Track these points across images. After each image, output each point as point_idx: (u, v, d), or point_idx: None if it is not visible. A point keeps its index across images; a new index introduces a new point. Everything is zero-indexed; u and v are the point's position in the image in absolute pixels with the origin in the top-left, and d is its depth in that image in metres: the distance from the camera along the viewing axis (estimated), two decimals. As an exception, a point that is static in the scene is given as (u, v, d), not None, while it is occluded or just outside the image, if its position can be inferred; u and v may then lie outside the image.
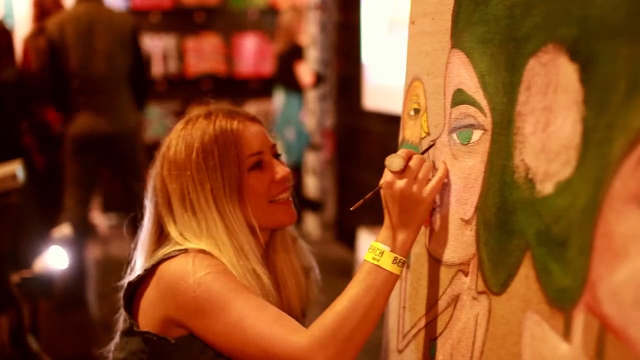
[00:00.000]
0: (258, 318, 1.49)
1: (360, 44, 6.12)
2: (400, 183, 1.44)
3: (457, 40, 1.50)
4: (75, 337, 4.69)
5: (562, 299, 1.14)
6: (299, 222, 7.22)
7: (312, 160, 7.12)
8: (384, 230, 1.49)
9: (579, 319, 1.10)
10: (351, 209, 1.53)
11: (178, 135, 1.67)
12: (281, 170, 1.71)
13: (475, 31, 1.42)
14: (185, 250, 1.59)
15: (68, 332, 4.73)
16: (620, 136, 1.03)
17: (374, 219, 5.68)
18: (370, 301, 1.44)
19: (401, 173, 1.44)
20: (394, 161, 1.45)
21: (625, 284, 1.00)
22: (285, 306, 1.77)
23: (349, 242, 6.26)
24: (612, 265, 1.03)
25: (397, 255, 1.46)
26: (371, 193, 1.51)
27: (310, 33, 7.02)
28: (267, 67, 8.32)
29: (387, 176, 1.46)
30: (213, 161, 1.62)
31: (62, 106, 5.13)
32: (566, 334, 1.13)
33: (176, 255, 1.58)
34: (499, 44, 1.34)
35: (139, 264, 1.69)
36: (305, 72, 6.90)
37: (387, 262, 1.45)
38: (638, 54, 1.01)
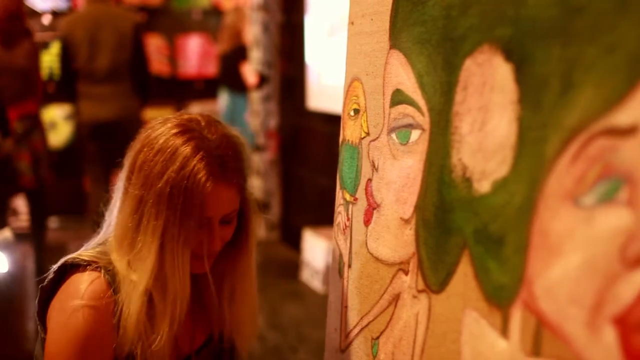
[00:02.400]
0: None
1: (304, 45, 6.13)
2: None
3: (395, 40, 1.51)
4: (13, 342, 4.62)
5: (499, 296, 1.16)
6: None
7: (256, 161, 7.09)
8: None
9: (516, 316, 1.11)
10: None
11: (165, 141, 1.57)
12: (219, 243, 1.62)
13: (412, 31, 1.43)
14: (98, 268, 1.56)
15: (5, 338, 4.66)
16: (555, 135, 1.04)
17: (319, 219, 5.70)
18: None
19: None
20: None
21: (560, 281, 1.02)
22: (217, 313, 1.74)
23: (294, 242, 6.26)
24: (548, 262, 1.05)
25: None
26: None
27: (253, 34, 7.00)
28: (211, 68, 8.28)
29: None
30: (175, 204, 1.53)
31: (70, 96, 5.74)
32: (504, 331, 1.14)
33: (86, 269, 1.56)
34: (436, 44, 1.35)
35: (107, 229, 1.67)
36: (250, 72, 6.90)
37: None
38: (571, 54, 1.03)
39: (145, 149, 1.58)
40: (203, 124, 1.61)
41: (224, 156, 1.59)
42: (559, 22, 1.05)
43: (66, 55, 5.63)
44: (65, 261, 1.58)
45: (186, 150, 1.55)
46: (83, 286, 1.54)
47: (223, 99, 7.30)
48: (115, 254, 1.58)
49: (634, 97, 0.92)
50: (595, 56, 0.99)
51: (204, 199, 1.54)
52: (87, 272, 1.56)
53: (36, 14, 7.80)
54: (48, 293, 1.59)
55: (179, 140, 1.56)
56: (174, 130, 1.58)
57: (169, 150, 1.56)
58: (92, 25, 5.59)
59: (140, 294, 1.54)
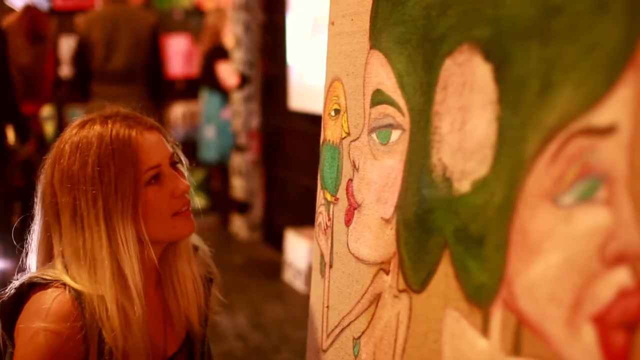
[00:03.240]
0: None
1: (285, 45, 6.12)
2: None
3: (375, 40, 1.51)
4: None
5: (480, 296, 1.16)
6: (226, 224, 7.24)
7: (238, 161, 7.08)
8: None
9: (497, 315, 1.12)
10: None
11: (72, 142, 1.57)
12: (181, 184, 1.61)
13: (392, 32, 1.43)
14: (63, 285, 1.53)
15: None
16: (534, 135, 1.05)
17: (301, 219, 5.70)
18: None
19: None
20: None
21: (540, 280, 1.03)
22: (182, 315, 1.73)
23: (277, 243, 6.26)
24: (528, 261, 1.05)
25: None
26: None
27: (234, 34, 6.99)
28: (193, 68, 8.27)
29: None
30: (108, 176, 1.53)
31: (84, 95, 5.69)
32: (484, 330, 1.15)
33: (49, 287, 1.54)
34: (416, 44, 1.35)
35: (33, 268, 1.64)
36: (227, 72, 6.90)
37: None
38: (550, 54, 1.03)
39: (57, 163, 1.58)
40: (98, 118, 1.62)
41: (133, 115, 1.64)
42: (538, 22, 1.05)
43: (82, 55, 5.63)
44: (29, 279, 1.55)
45: (95, 129, 1.58)
46: (46, 306, 1.50)
47: (203, 98, 7.32)
48: (73, 269, 1.55)
49: (612, 97, 0.93)
50: (574, 56, 0.99)
51: (137, 149, 1.56)
52: (50, 290, 1.53)
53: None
54: (10, 308, 1.56)
55: (83, 132, 1.58)
56: (75, 130, 1.60)
57: (79, 143, 1.57)
58: (110, 25, 5.59)
59: (112, 306, 1.53)
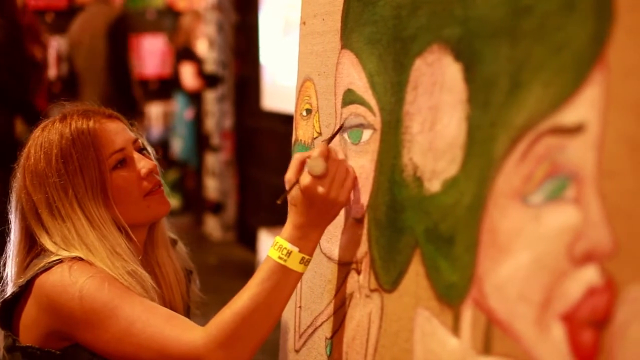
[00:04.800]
0: (148, 321, 1.45)
1: (258, 45, 6.11)
2: (322, 188, 1.38)
3: (346, 40, 1.51)
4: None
5: (450, 295, 1.16)
6: (199, 224, 7.22)
7: (211, 161, 7.07)
8: (292, 230, 1.43)
9: (467, 314, 1.12)
10: (278, 202, 1.45)
11: (35, 143, 1.62)
12: (146, 164, 1.65)
13: (363, 32, 1.43)
14: (60, 261, 1.53)
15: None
16: (503, 134, 1.05)
17: (275, 220, 5.68)
18: (273, 301, 1.41)
19: (322, 177, 1.39)
20: (316, 165, 1.37)
21: (509, 279, 1.03)
22: (167, 303, 1.74)
23: (250, 243, 6.24)
24: (497, 260, 1.05)
25: (304, 256, 1.42)
26: (291, 188, 1.44)
27: (207, 34, 6.97)
28: (166, 68, 8.23)
29: (306, 179, 1.38)
30: (73, 165, 1.57)
31: (73, 98, 5.68)
32: (455, 329, 1.15)
33: (51, 267, 1.52)
34: (386, 44, 1.36)
35: (10, 280, 1.64)
36: (188, 74, 6.91)
37: (294, 262, 1.41)
38: (519, 54, 1.04)
39: (25, 166, 1.62)
40: (58, 115, 1.66)
41: (91, 108, 1.69)
42: (507, 22, 1.06)
43: (69, 57, 5.73)
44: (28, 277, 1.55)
45: (55, 128, 1.63)
46: (67, 275, 1.51)
47: (176, 99, 7.35)
48: (63, 251, 1.56)
49: (580, 97, 0.93)
50: (543, 56, 0.99)
51: (96, 140, 1.60)
52: (53, 268, 1.53)
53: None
54: (11, 304, 1.58)
55: (45, 132, 1.63)
56: (37, 133, 1.65)
57: (42, 143, 1.61)
58: (77, 26, 5.62)
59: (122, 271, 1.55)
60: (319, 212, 1.41)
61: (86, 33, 5.53)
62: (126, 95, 5.57)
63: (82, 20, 5.64)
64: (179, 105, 7.41)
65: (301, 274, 1.44)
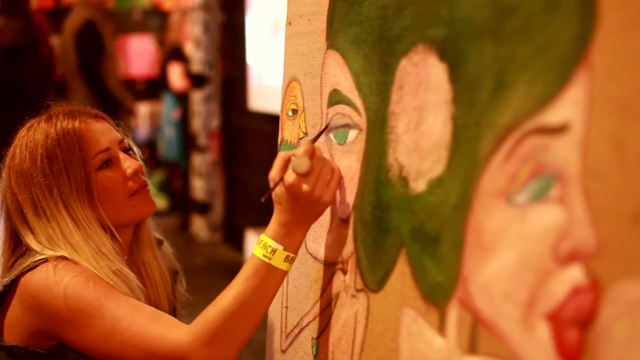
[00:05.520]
0: (133, 320, 1.45)
1: (245, 45, 6.11)
2: (306, 186, 1.38)
3: (332, 41, 1.51)
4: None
5: (436, 295, 1.16)
6: (186, 225, 7.20)
7: (198, 161, 7.06)
8: (277, 227, 1.43)
9: (453, 314, 1.12)
10: (262, 199, 1.46)
11: (21, 143, 1.62)
12: (132, 164, 1.65)
13: (349, 32, 1.43)
14: (45, 260, 1.53)
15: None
16: (488, 134, 1.05)
17: (261, 220, 5.68)
18: (258, 299, 1.42)
19: (307, 175, 1.39)
20: (301, 163, 1.37)
21: (494, 278, 1.03)
22: (153, 304, 1.73)
23: (237, 243, 6.23)
24: (483, 260, 1.05)
25: (289, 254, 1.42)
26: (275, 186, 1.43)
27: (193, 34, 6.96)
28: (153, 68, 8.21)
29: (290, 177, 1.38)
30: (58, 165, 1.57)
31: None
32: (441, 329, 1.15)
33: (36, 266, 1.52)
34: (372, 44, 1.36)
35: None
36: (175, 74, 6.90)
37: (279, 260, 1.41)
38: (503, 54, 1.04)
39: (10, 166, 1.62)
40: (44, 115, 1.66)
41: (76, 108, 1.69)
42: (492, 22, 1.06)
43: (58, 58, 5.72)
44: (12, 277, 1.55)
45: (40, 128, 1.62)
46: (51, 274, 1.50)
47: (164, 99, 7.35)
48: (48, 250, 1.56)
49: (564, 96, 0.93)
50: (527, 56, 1.00)
51: (81, 140, 1.59)
52: (38, 267, 1.53)
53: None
54: None
55: (30, 132, 1.63)
56: (23, 133, 1.65)
57: (27, 143, 1.61)
58: (64, 28, 5.63)
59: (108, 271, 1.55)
60: (303, 210, 1.41)
61: (64, 36, 5.55)
62: (103, 97, 5.51)
63: (66, 22, 5.64)
64: (166, 106, 7.40)
65: (286, 272, 1.44)
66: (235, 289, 1.42)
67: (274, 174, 1.43)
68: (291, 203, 1.41)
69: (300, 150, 1.38)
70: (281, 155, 1.43)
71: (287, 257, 1.42)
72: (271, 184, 1.43)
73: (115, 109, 5.64)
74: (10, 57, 4.69)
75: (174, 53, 7.09)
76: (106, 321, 1.46)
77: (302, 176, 1.38)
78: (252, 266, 1.43)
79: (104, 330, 1.46)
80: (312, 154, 1.39)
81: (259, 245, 1.43)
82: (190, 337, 1.41)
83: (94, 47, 5.61)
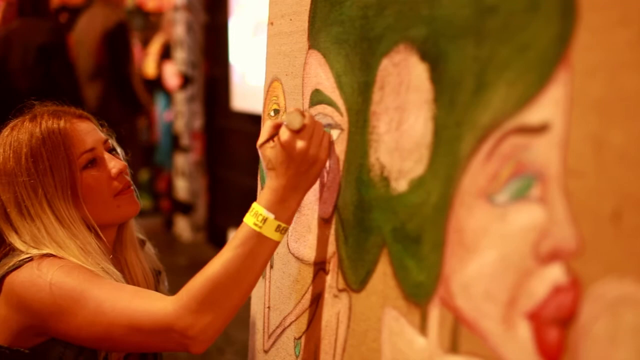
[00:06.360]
0: (115, 299, 1.44)
1: (228, 45, 6.10)
2: (301, 143, 1.35)
3: (314, 40, 1.51)
4: None
5: (418, 294, 1.16)
6: (170, 225, 7.19)
7: (181, 162, 7.04)
8: (270, 194, 1.39)
9: (434, 313, 1.12)
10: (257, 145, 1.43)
11: (4, 142, 1.61)
12: (116, 164, 1.65)
13: (330, 32, 1.43)
14: (30, 259, 1.52)
15: None
16: (469, 133, 1.06)
17: (245, 220, 5.68)
18: (245, 268, 1.38)
19: (300, 132, 1.36)
20: (294, 119, 1.34)
21: (475, 278, 1.03)
22: None
23: (220, 243, 6.22)
24: (464, 259, 1.06)
25: (281, 223, 1.39)
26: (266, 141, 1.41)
27: (176, 34, 6.94)
28: (140, 68, 8.19)
29: (285, 135, 1.35)
30: (43, 164, 1.56)
31: None
32: (422, 328, 1.15)
33: (21, 265, 1.51)
34: (353, 44, 1.36)
35: None
36: (169, 72, 6.88)
37: (270, 230, 1.38)
38: (484, 54, 1.04)
39: None
40: (28, 115, 1.66)
41: (61, 108, 1.69)
42: (473, 22, 1.06)
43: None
44: None
45: (25, 127, 1.62)
46: (36, 268, 1.49)
47: (159, 100, 7.35)
48: (33, 249, 1.55)
49: (545, 96, 0.94)
50: (508, 56, 1.00)
51: (66, 139, 1.59)
52: (23, 266, 1.52)
53: None
54: None
55: (14, 132, 1.63)
56: (7, 132, 1.64)
57: (12, 142, 1.61)
58: (80, 25, 5.56)
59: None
60: (298, 171, 1.38)
61: (86, 34, 5.50)
62: (126, 93, 5.60)
63: (85, 20, 5.61)
64: (159, 107, 7.37)
65: (277, 243, 1.41)
66: (223, 257, 1.40)
67: (262, 141, 1.41)
68: (285, 164, 1.37)
69: (291, 107, 1.36)
70: (269, 123, 1.42)
71: (278, 226, 1.39)
72: (260, 153, 1.42)
73: (137, 109, 5.68)
74: (43, 56, 4.70)
75: (167, 52, 7.07)
76: (89, 304, 1.44)
77: (297, 132, 1.35)
78: (241, 234, 1.40)
79: (89, 315, 1.44)
80: (302, 112, 1.37)
81: (250, 213, 1.40)
82: (176, 305, 1.39)
83: (125, 49, 5.68)
